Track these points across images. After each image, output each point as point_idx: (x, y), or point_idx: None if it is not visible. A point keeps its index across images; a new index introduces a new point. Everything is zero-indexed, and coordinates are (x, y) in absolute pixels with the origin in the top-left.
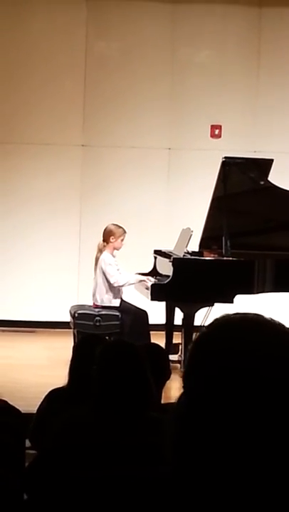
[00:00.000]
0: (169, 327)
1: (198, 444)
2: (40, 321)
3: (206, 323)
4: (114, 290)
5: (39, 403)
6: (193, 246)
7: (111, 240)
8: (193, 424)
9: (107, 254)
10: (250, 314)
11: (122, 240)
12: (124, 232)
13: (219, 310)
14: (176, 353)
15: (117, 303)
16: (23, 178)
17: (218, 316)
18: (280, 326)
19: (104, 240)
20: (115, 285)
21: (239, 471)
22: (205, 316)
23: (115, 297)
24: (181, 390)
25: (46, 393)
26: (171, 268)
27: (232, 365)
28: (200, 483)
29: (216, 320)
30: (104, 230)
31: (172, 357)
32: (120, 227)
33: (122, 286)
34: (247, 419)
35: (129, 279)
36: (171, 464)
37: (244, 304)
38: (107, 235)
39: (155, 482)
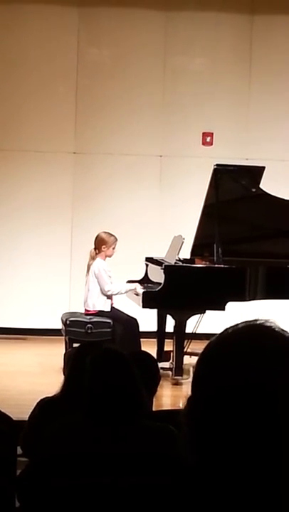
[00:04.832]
0: (160, 334)
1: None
2: (31, 328)
3: (198, 331)
4: (106, 295)
5: (30, 410)
6: (185, 253)
7: (103, 248)
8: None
9: (101, 260)
10: (259, 325)
11: (114, 248)
12: (116, 240)
13: (211, 317)
14: (168, 360)
15: (108, 307)
16: (15, 185)
17: (208, 323)
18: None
19: (95, 248)
20: (109, 293)
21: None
22: (196, 324)
23: (107, 301)
24: (172, 397)
25: (37, 400)
26: (163, 275)
27: (240, 380)
28: (219, 485)
29: (225, 331)
30: (96, 238)
31: (164, 364)
32: (112, 235)
33: (115, 294)
34: (253, 432)
35: (121, 288)
36: (189, 463)
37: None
38: (99, 244)
39: (147, 490)
